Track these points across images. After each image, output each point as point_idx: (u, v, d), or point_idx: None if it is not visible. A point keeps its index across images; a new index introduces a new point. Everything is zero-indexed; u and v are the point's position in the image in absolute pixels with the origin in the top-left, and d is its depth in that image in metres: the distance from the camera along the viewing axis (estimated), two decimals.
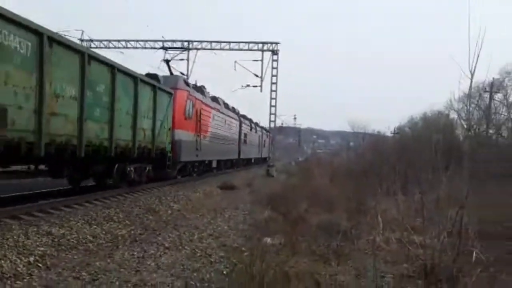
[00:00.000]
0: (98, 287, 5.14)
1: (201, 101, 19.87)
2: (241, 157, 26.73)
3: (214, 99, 24.10)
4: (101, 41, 29.25)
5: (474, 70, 6.41)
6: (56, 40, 8.68)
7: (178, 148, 16.67)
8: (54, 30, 9.08)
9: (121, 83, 11.71)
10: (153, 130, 14.22)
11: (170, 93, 15.86)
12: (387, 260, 7.26)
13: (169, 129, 15.91)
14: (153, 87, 14.24)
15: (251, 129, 27.78)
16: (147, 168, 14.68)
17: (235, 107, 28.19)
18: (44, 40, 8.12)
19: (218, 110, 23.64)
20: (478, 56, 6.29)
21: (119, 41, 29.31)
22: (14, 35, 7.41)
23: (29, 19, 7.85)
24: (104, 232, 7.92)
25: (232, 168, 28.53)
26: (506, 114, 36.35)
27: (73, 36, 26.22)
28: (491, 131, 33.64)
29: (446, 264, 6.03)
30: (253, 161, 34.19)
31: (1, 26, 7.10)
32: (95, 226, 8.12)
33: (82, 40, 28.10)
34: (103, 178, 12.59)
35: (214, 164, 23.39)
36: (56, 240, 6.87)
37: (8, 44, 7.30)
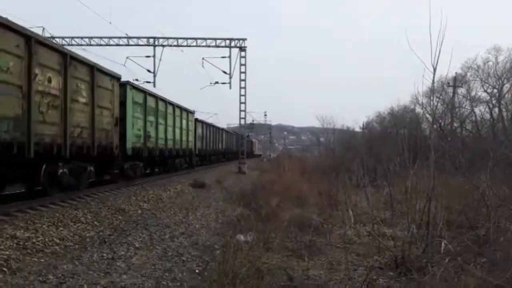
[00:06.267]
0: None
1: (252, 140, 59.20)
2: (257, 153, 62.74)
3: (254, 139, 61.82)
4: (63, 38, 28.36)
5: (437, 65, 6.52)
6: None
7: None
8: None
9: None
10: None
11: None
12: (358, 253, 7.35)
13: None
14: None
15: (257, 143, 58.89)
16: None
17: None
18: None
19: (256, 142, 64.63)
20: (439, 51, 6.39)
21: (82, 38, 28.52)
22: None
23: None
24: (71, 234, 7.69)
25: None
26: (469, 108, 37.50)
27: None
28: (455, 124, 34.63)
29: (416, 255, 6.15)
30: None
31: None
32: (62, 228, 7.88)
33: None
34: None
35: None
36: (21, 243, 6.63)
37: None
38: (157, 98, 17.74)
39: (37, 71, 9.11)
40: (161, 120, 18.37)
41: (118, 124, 13.40)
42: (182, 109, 22.11)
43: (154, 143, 17.49)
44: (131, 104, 14.82)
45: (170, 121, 19.77)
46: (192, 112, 25.03)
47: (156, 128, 17.62)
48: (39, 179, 9.84)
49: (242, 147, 31.23)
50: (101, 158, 12.42)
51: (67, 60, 10.25)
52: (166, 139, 19.19)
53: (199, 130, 27.21)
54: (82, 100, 11.19)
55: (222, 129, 39.22)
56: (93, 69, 11.59)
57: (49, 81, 9.62)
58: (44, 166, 9.84)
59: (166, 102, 19.20)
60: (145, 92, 16.30)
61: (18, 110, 8.57)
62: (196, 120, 26.63)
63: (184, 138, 22.44)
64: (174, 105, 20.58)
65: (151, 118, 17.01)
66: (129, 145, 14.72)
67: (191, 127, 24.40)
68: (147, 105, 16.46)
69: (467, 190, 9.94)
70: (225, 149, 39.04)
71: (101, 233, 8.08)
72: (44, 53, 9.45)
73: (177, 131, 21.05)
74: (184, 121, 22.40)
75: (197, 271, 6.02)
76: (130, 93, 14.63)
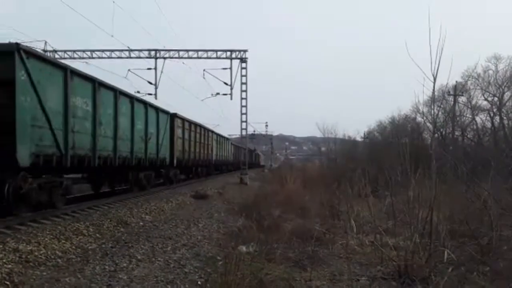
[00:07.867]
0: None
1: (258, 153, 78.59)
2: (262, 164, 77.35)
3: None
4: (65, 51, 28.49)
5: (437, 74, 6.58)
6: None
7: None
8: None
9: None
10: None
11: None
12: (361, 263, 7.33)
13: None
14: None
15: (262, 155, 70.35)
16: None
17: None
18: None
19: (261, 155, 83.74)
20: (439, 60, 6.45)
21: (84, 51, 28.64)
22: None
23: None
24: (74, 247, 7.69)
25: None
26: (470, 116, 37.52)
27: (37, 47, 25.52)
28: (457, 133, 34.64)
29: (419, 265, 6.14)
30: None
31: None
32: (64, 241, 7.87)
33: (45, 51, 27.32)
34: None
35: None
36: (23, 256, 6.62)
37: None
38: (220, 135, 35.54)
39: (198, 136, 25.39)
40: (221, 146, 35.49)
41: (211, 151, 29.12)
42: (226, 138, 40.05)
43: (218, 158, 34.15)
44: (213, 141, 30.76)
45: (222, 146, 36.83)
46: (229, 139, 42.45)
47: (219, 150, 34.73)
48: (191, 173, 25.69)
49: (244, 159, 33.37)
50: (206, 165, 29.40)
51: (207, 131, 28.28)
52: (221, 155, 36.24)
53: (232, 149, 44.17)
54: (204, 142, 26.78)
55: (241, 146, 52.33)
56: (207, 130, 28.24)
57: (198, 138, 25.34)
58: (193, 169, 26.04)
59: (220, 135, 36.17)
60: (217, 134, 33.70)
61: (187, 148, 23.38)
62: (231, 143, 44.26)
63: (226, 154, 39.89)
64: (224, 137, 38.67)
65: (218, 145, 33.58)
66: (213, 159, 30.58)
67: (229, 147, 41.73)
68: (217, 139, 32.96)
69: (469, 199, 9.93)
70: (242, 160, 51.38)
71: (103, 246, 8.08)
72: (198, 128, 25.61)
73: (224, 151, 38.26)
74: (227, 145, 40.64)
75: (199, 282, 6.01)
76: (213, 135, 30.87)
